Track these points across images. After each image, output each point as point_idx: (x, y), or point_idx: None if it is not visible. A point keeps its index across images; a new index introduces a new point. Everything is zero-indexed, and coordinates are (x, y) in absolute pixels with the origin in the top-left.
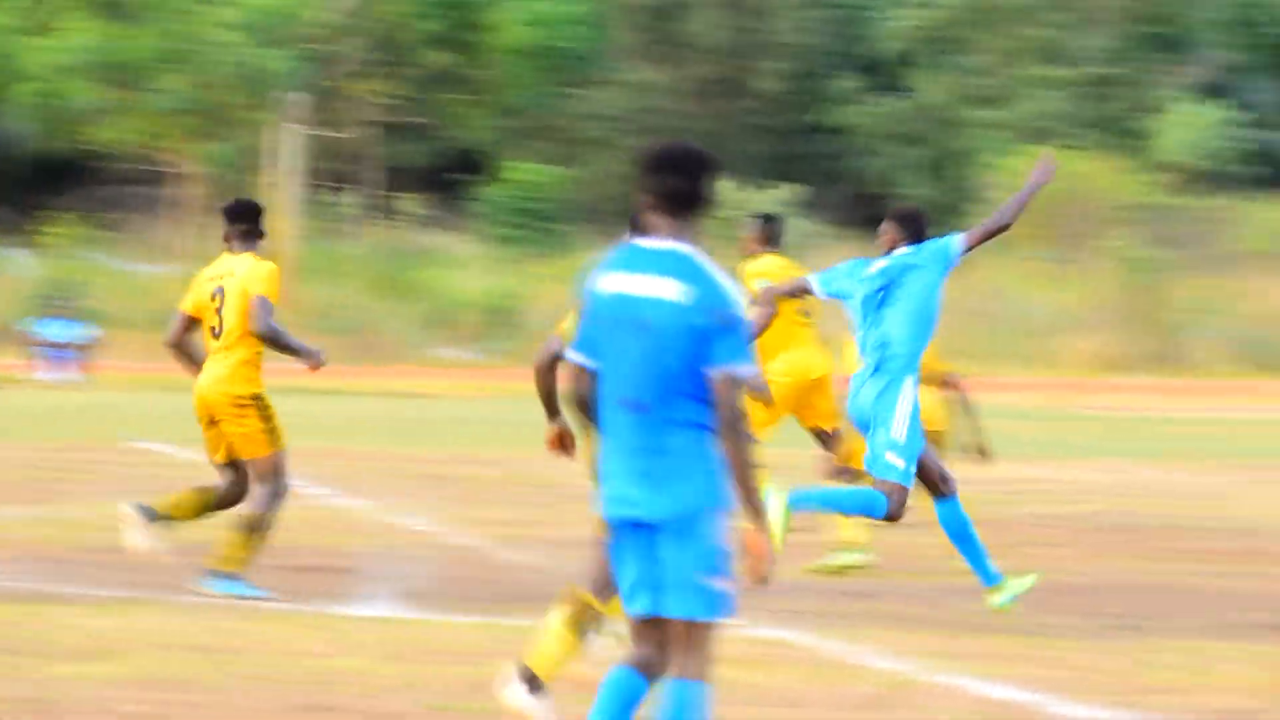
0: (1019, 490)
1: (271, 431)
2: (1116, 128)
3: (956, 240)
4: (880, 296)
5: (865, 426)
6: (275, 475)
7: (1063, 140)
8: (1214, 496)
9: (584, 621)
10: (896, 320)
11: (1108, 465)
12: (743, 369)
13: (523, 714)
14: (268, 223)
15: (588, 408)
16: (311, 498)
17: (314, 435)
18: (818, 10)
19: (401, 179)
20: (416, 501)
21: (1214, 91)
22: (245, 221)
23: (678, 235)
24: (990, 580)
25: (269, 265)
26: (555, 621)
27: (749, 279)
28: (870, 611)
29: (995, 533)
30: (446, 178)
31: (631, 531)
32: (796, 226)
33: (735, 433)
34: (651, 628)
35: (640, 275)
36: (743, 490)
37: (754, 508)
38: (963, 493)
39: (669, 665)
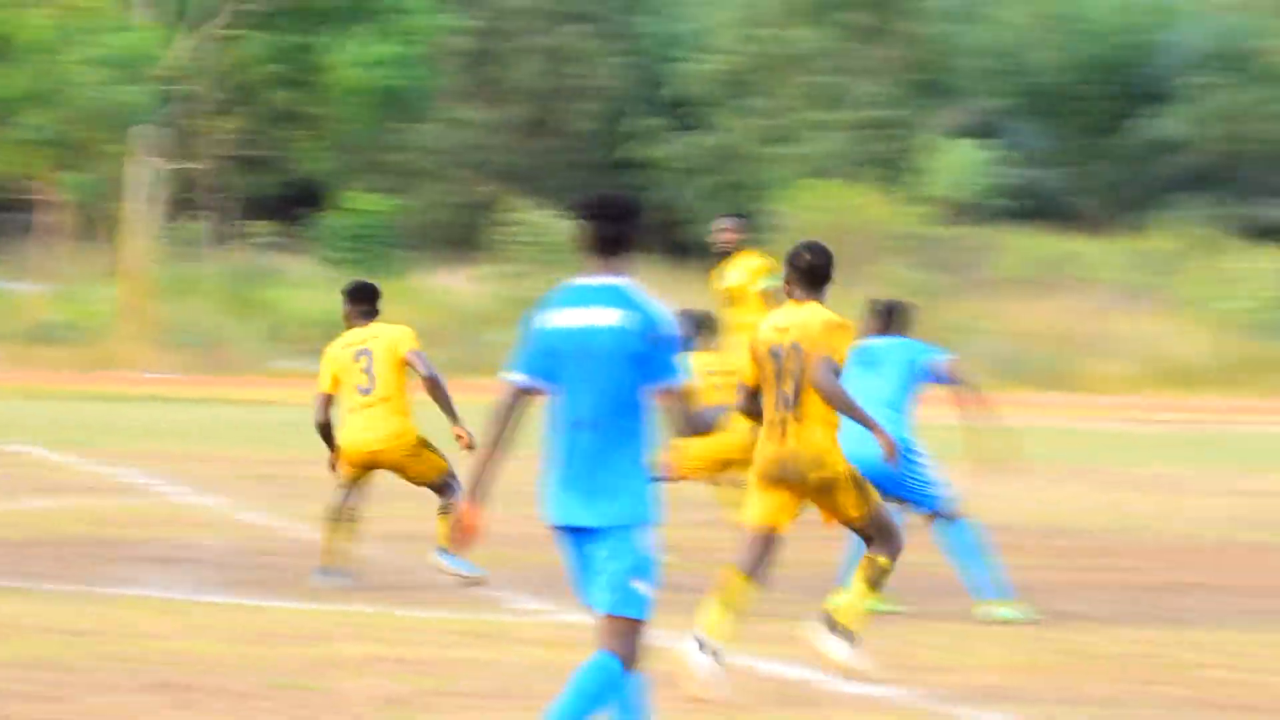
0: None
1: (436, 452)
2: (891, 165)
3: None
4: None
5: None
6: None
7: (843, 176)
8: (975, 496)
9: (738, 600)
10: None
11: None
12: (679, 381)
13: (695, 674)
14: (129, 247)
15: (505, 422)
16: (164, 495)
17: (168, 439)
18: (625, 57)
19: (250, 207)
20: (259, 499)
21: (978, 133)
22: (366, 302)
23: (614, 271)
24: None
25: (410, 330)
26: (717, 599)
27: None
28: (667, 601)
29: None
30: (291, 207)
31: (575, 536)
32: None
33: (694, 428)
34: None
35: (586, 309)
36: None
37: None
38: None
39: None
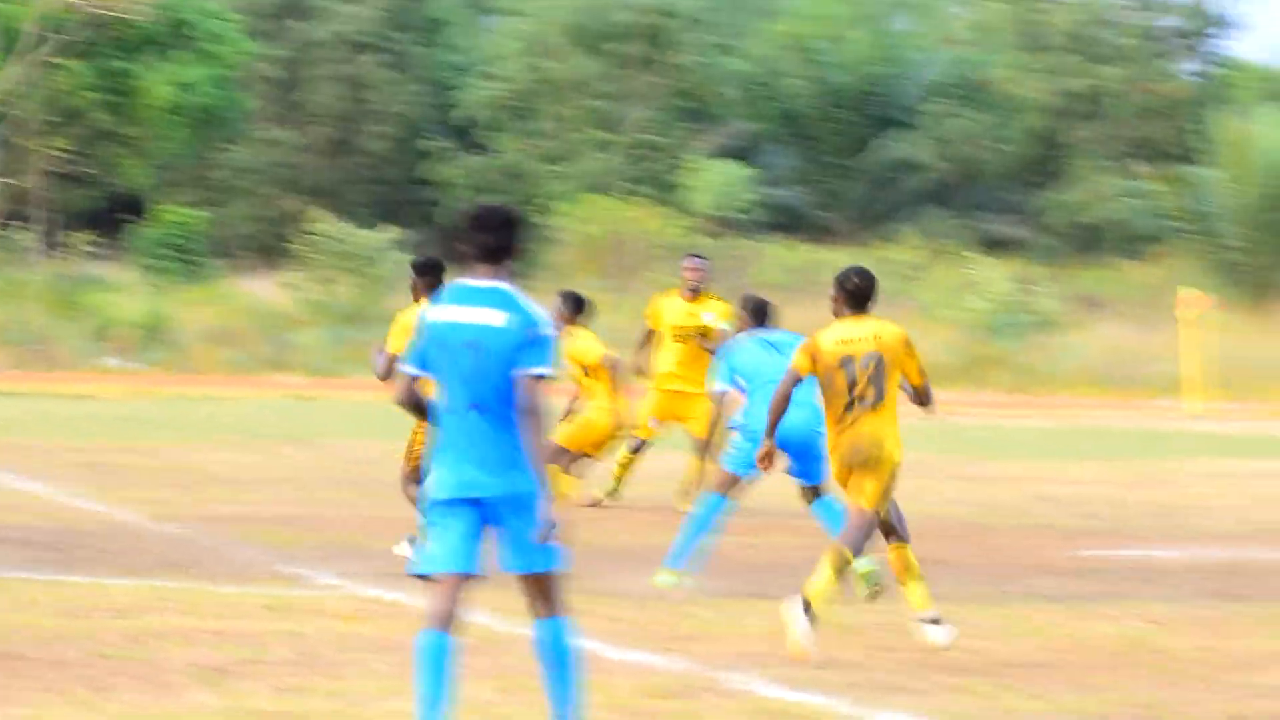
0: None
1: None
2: (660, 182)
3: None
4: None
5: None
6: None
7: (617, 192)
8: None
9: (842, 570)
10: None
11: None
12: (542, 370)
13: (794, 629)
14: None
15: (418, 407)
16: None
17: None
18: (415, 84)
19: (76, 219)
20: (84, 485)
21: (738, 154)
22: (433, 275)
23: (497, 277)
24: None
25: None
26: (824, 567)
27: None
28: None
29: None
30: (113, 219)
31: (465, 507)
32: (400, 261)
33: (536, 419)
34: (456, 586)
35: (476, 308)
36: (535, 464)
37: (544, 478)
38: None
39: (532, 615)
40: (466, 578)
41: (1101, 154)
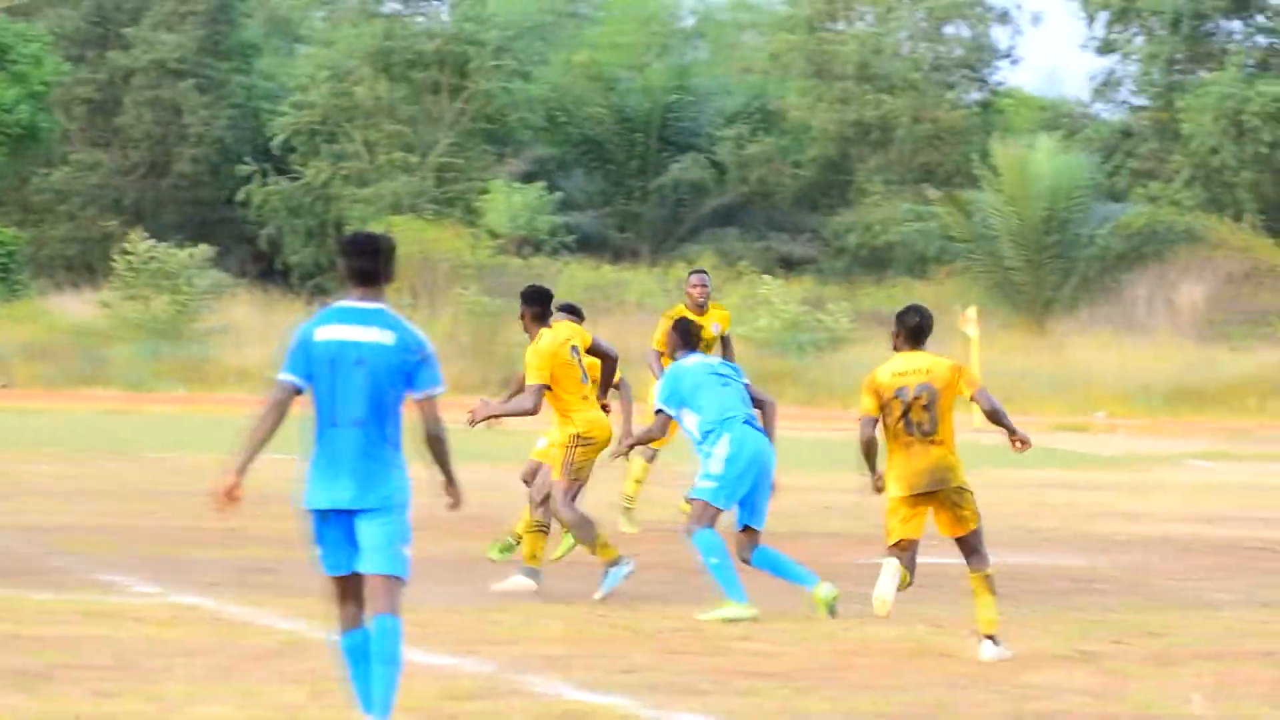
0: None
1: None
2: (463, 205)
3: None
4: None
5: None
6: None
7: (418, 213)
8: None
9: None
10: None
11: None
12: (440, 389)
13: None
14: None
15: (278, 415)
16: None
17: None
18: (225, 109)
19: None
20: None
21: (532, 177)
22: (538, 304)
23: (373, 298)
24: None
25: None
26: (984, 595)
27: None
28: (275, 584)
29: None
30: None
31: (337, 517)
32: (213, 277)
33: (440, 435)
34: (352, 585)
35: (363, 327)
36: (444, 470)
37: (450, 477)
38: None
39: (370, 610)
40: (356, 575)
41: (889, 178)
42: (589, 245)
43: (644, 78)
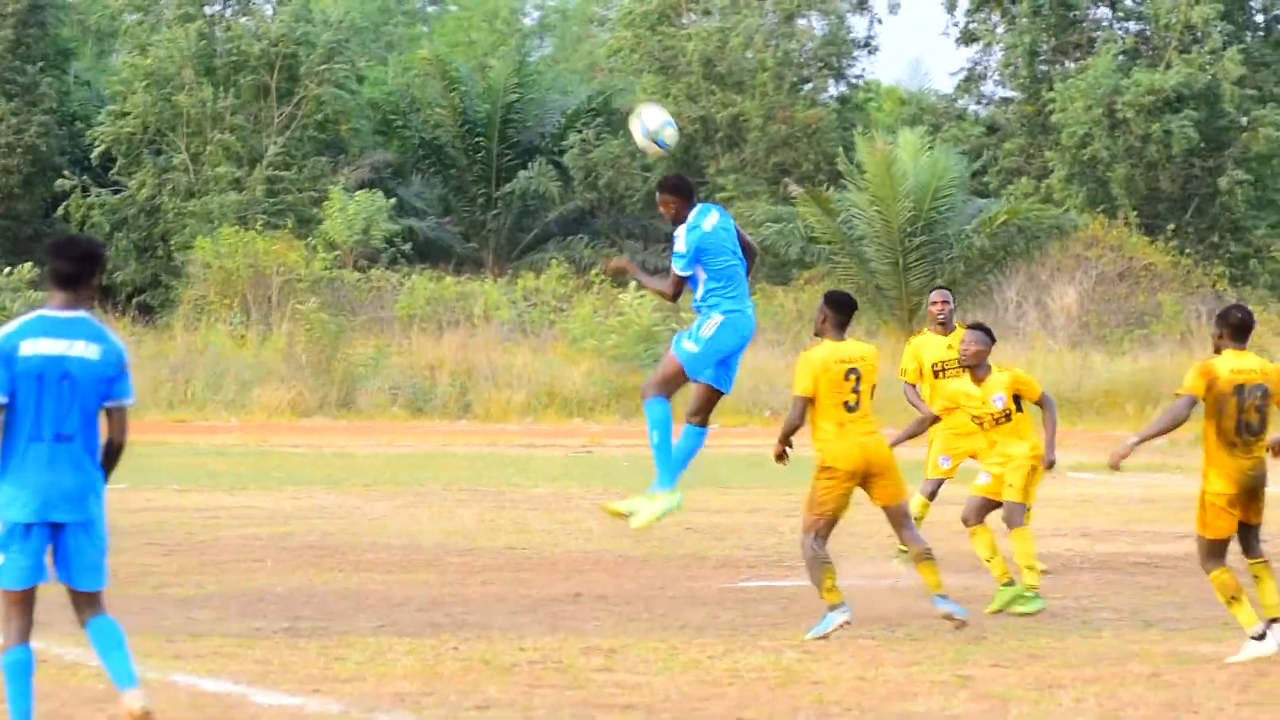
0: (222, 516)
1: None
2: (298, 215)
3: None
4: None
5: None
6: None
7: (252, 225)
8: (383, 517)
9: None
10: None
11: (299, 493)
12: (129, 401)
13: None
14: None
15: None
16: None
17: None
18: (42, 117)
19: None
20: None
21: (370, 184)
22: (846, 314)
23: (77, 304)
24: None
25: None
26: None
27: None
28: None
29: (203, 553)
30: None
31: (40, 530)
32: (28, 299)
33: (122, 447)
34: (30, 598)
35: (67, 340)
36: (105, 479)
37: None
38: (170, 520)
39: (83, 617)
40: (31, 590)
41: (746, 179)
42: (431, 256)
43: (485, 78)
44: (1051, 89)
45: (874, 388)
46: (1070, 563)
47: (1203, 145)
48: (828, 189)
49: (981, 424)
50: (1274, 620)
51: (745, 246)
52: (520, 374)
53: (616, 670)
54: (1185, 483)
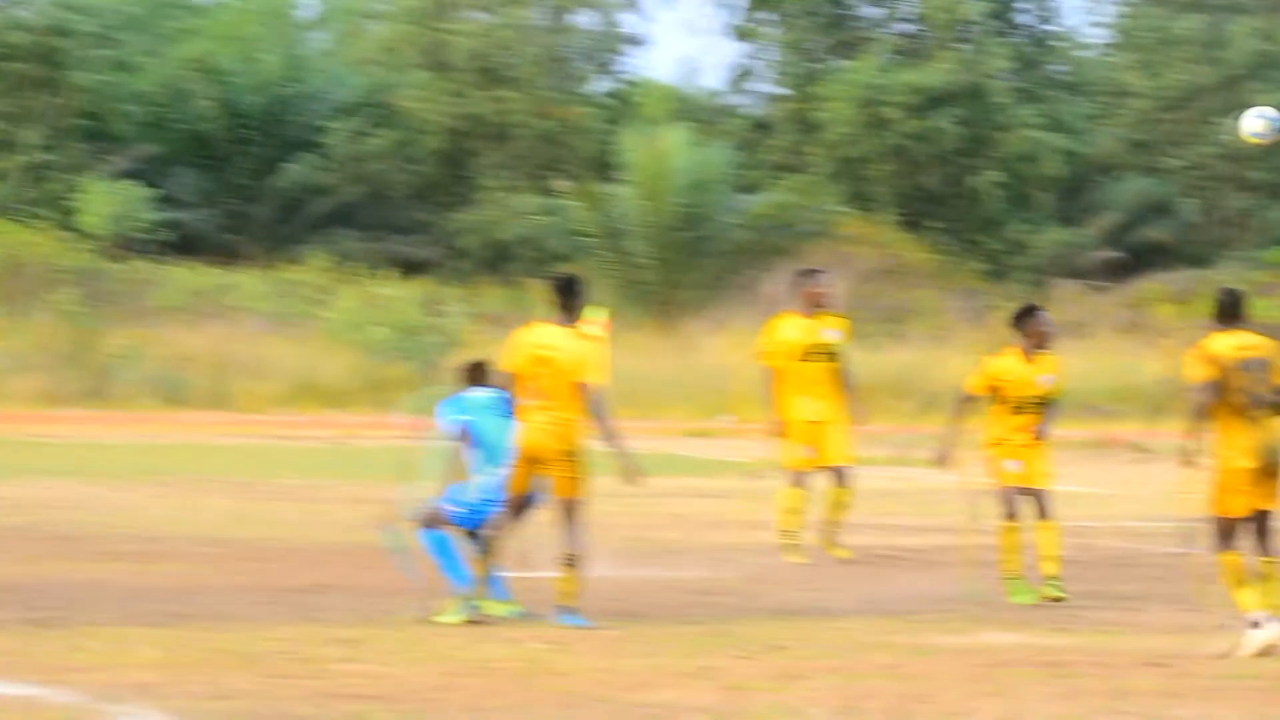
0: None
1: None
2: (57, 205)
3: None
4: None
5: None
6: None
7: (12, 216)
8: (131, 508)
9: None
10: None
11: (48, 483)
12: None
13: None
14: None
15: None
16: None
17: None
18: None
19: None
20: None
21: (140, 175)
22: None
23: None
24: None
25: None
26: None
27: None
28: None
29: None
30: None
31: None
32: None
33: None
34: None
35: None
36: None
37: None
38: None
39: None
40: None
41: (511, 173)
42: (195, 247)
43: (256, 71)
44: (820, 86)
45: (576, 381)
46: (815, 554)
47: (966, 144)
48: (597, 183)
49: (1020, 408)
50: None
51: None
52: (279, 366)
53: (360, 661)
54: (927, 476)
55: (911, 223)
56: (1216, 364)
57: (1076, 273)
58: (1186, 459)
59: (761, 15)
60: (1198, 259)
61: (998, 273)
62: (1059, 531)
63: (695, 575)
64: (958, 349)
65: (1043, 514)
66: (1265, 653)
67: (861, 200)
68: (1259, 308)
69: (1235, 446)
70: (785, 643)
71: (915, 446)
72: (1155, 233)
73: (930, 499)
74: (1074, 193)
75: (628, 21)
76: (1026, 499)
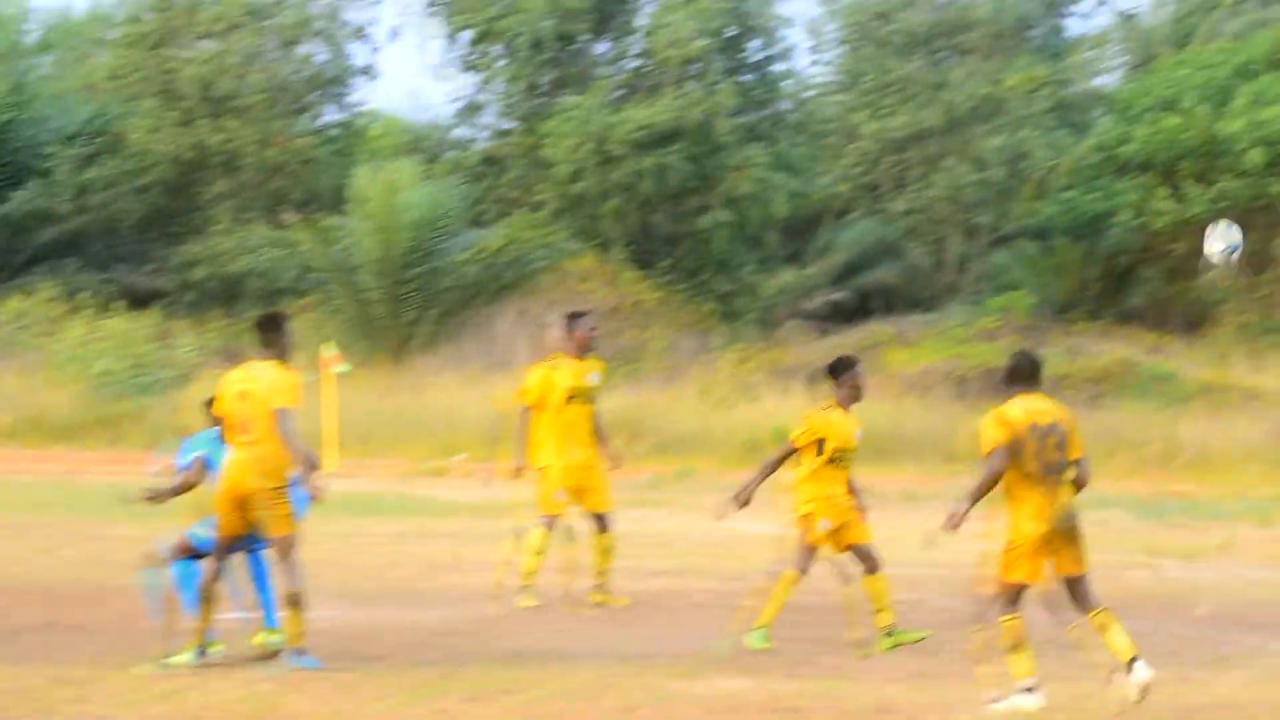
0: None
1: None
2: None
3: None
4: None
5: None
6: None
7: None
8: None
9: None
10: None
11: None
12: None
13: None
14: None
15: None
16: None
17: None
18: None
19: None
20: None
21: None
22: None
23: None
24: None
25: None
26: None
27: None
28: None
29: None
30: None
31: None
32: None
33: None
34: None
35: None
36: None
37: None
38: None
39: None
40: None
41: (241, 206)
42: None
43: None
44: (547, 122)
45: (272, 410)
46: (550, 595)
47: (694, 183)
48: (327, 217)
49: (837, 461)
50: (1134, 658)
51: None
52: (5, 398)
53: (88, 701)
54: (667, 519)
55: (643, 262)
56: (1011, 429)
57: (805, 314)
58: (952, 524)
59: (489, 49)
60: (925, 303)
61: (728, 314)
62: (887, 579)
63: (429, 616)
64: (689, 390)
65: (871, 569)
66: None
67: (593, 238)
68: (983, 353)
69: (1027, 512)
70: (517, 686)
71: (651, 489)
72: (883, 275)
73: (669, 543)
74: (802, 234)
75: (358, 53)
76: (847, 555)
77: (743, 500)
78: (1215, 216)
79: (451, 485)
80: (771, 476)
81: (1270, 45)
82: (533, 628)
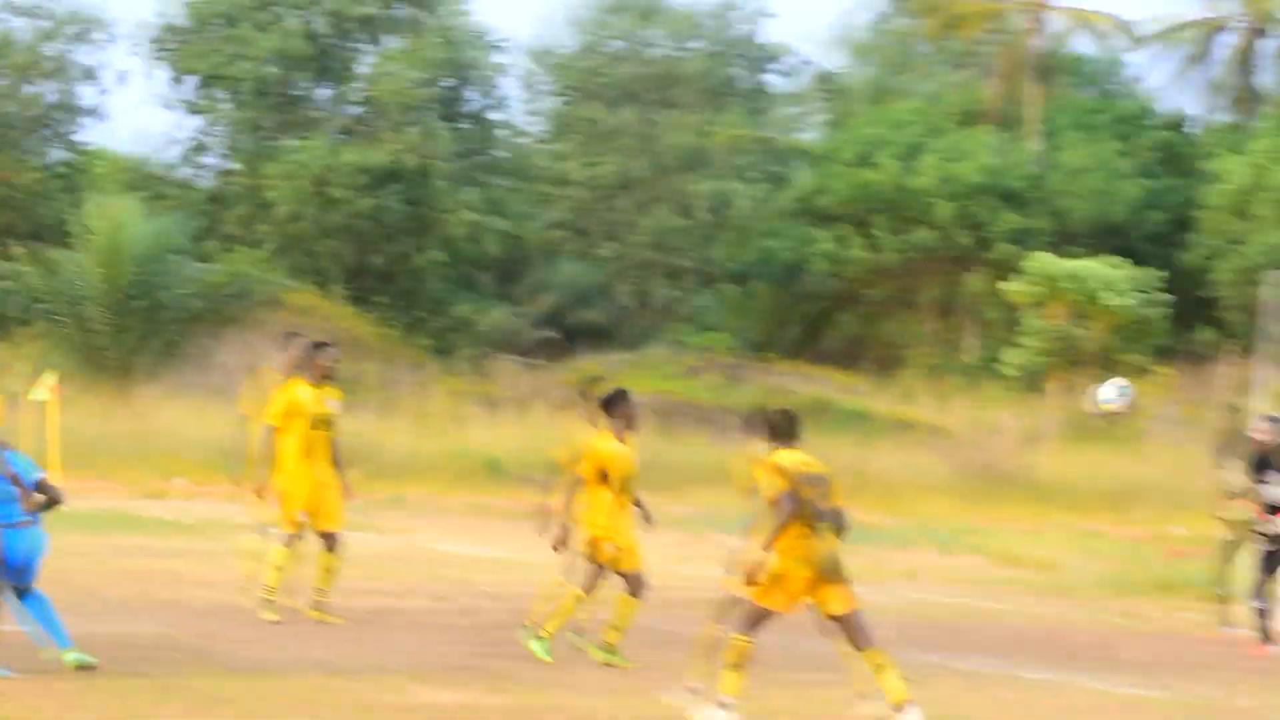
0: None
1: None
2: None
3: None
4: None
5: None
6: None
7: None
8: None
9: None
10: None
11: None
12: None
13: None
14: None
15: None
16: None
17: None
18: None
19: None
20: None
21: None
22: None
23: None
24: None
25: None
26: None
27: None
28: None
29: None
30: None
31: None
32: None
33: None
34: None
35: None
36: None
37: None
38: None
39: None
40: None
41: None
42: None
43: None
44: (268, 164)
45: None
46: (288, 613)
47: (411, 223)
48: (53, 249)
49: (621, 489)
50: (907, 701)
51: None
52: None
53: None
54: (380, 540)
55: (360, 298)
56: (788, 477)
57: (517, 350)
58: (755, 575)
59: (215, 93)
60: (630, 341)
61: (442, 349)
62: (637, 607)
63: (150, 631)
64: (403, 419)
65: (634, 592)
66: None
67: (311, 274)
68: (687, 388)
69: (795, 554)
70: (233, 696)
71: (362, 512)
72: (591, 315)
73: (379, 563)
74: (515, 275)
75: (85, 93)
76: (621, 576)
77: (560, 539)
78: (907, 263)
79: (172, 505)
80: (483, 502)
81: (959, 106)
82: (251, 643)
